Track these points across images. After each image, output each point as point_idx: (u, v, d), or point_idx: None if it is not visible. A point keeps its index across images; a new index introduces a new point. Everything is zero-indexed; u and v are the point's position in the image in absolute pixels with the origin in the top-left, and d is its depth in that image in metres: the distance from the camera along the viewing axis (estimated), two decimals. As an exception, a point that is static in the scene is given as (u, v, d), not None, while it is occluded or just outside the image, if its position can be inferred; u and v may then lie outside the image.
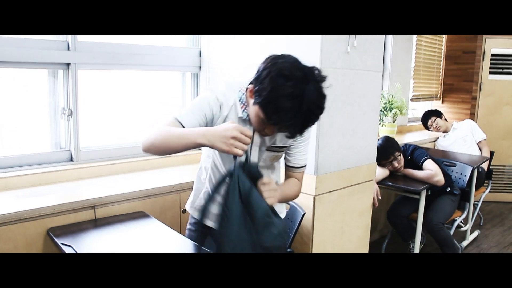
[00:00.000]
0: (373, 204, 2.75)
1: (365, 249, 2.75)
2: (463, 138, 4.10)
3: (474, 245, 3.87)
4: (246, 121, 1.52)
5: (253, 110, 1.40)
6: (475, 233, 4.03)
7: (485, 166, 3.98)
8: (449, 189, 3.19)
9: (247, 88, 1.49)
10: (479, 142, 4.13)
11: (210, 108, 1.50)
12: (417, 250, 3.03)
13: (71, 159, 2.31)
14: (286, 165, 1.70)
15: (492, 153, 4.17)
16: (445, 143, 4.21)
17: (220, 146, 1.28)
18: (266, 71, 1.32)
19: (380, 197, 2.86)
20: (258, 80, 1.35)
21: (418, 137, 4.41)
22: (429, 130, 4.32)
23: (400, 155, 3.05)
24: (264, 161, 1.63)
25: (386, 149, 2.97)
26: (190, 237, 1.81)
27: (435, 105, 5.13)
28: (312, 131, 1.92)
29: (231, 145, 1.27)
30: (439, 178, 2.96)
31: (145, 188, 2.14)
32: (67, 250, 1.65)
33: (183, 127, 1.43)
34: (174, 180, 2.30)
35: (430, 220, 3.05)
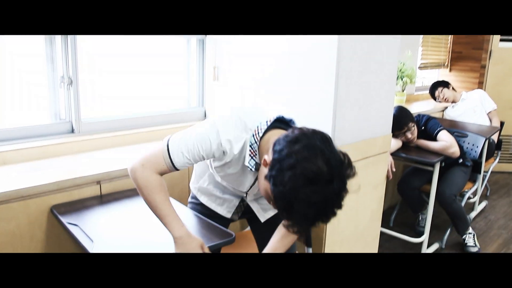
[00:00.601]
0: (387, 177, 2.65)
1: (378, 223, 2.68)
2: (472, 109, 3.98)
3: (482, 216, 3.82)
4: (250, 171, 1.42)
5: (264, 183, 1.25)
6: (483, 204, 3.98)
7: (494, 136, 3.88)
8: (461, 160, 3.09)
9: (261, 137, 1.36)
10: (489, 112, 4.01)
11: (211, 153, 1.39)
12: (428, 222, 2.96)
13: (72, 131, 2.17)
14: None
15: (502, 124, 4.07)
16: (453, 113, 4.09)
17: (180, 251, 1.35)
18: (290, 161, 1.15)
19: (394, 169, 2.76)
20: (277, 163, 1.18)
21: (425, 106, 4.28)
22: (436, 101, 4.19)
23: (414, 126, 2.93)
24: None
25: (400, 120, 2.85)
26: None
27: (443, 73, 4.99)
28: (328, 102, 1.80)
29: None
30: (455, 150, 2.86)
31: (153, 162, 2.01)
32: (73, 229, 1.55)
33: (174, 165, 1.38)
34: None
35: (443, 192, 2.96)
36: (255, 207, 1.72)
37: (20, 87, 2.08)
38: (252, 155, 1.38)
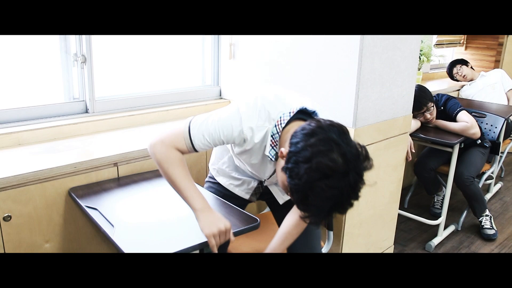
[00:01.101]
0: (406, 158, 2.59)
1: (396, 204, 2.63)
2: (492, 86, 3.87)
3: (497, 197, 3.76)
4: (271, 161, 1.42)
5: (281, 175, 1.25)
6: (498, 186, 3.92)
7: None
8: (479, 141, 3.02)
9: (283, 128, 1.34)
10: (508, 90, 3.91)
11: (231, 139, 1.39)
12: (446, 204, 2.91)
13: (86, 111, 2.11)
14: None
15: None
16: (470, 91, 3.98)
17: (203, 228, 1.31)
18: (305, 154, 1.14)
19: (413, 151, 2.69)
20: (293, 156, 1.17)
21: (440, 85, 4.18)
22: (454, 79, 4.08)
23: (433, 106, 2.85)
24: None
25: (419, 99, 2.77)
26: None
27: (458, 51, 4.86)
28: (351, 80, 1.83)
29: (212, 235, 1.29)
30: (476, 131, 2.78)
31: (170, 143, 1.96)
32: (93, 213, 1.50)
33: (194, 147, 1.38)
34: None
35: (461, 174, 2.90)
36: (274, 189, 1.71)
37: (31, 65, 2.01)
38: (273, 145, 1.37)
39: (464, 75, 3.95)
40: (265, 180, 1.65)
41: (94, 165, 1.72)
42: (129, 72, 2.36)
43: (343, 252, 2.29)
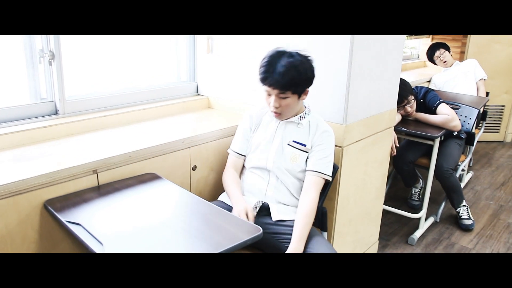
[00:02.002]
0: (391, 153, 2.56)
1: (381, 200, 2.59)
2: (465, 74, 3.93)
3: (468, 187, 3.83)
4: (275, 120, 1.85)
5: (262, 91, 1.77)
6: (469, 175, 4.00)
7: (480, 107, 3.86)
8: (455, 133, 3.03)
9: None
10: (479, 80, 3.97)
11: (248, 127, 1.91)
12: (427, 196, 2.91)
13: (56, 112, 1.92)
14: (306, 170, 1.80)
15: (487, 94, 4.05)
16: (442, 79, 3.99)
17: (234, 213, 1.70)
18: None
19: (398, 145, 2.66)
20: None
21: (409, 77, 4.19)
22: (432, 61, 4.08)
23: (413, 99, 2.83)
24: (285, 160, 1.80)
25: (400, 92, 2.70)
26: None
27: (425, 43, 4.91)
28: (342, 74, 1.93)
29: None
30: (457, 123, 2.79)
31: (153, 145, 1.81)
32: (76, 229, 1.34)
33: (239, 153, 1.91)
34: (182, 134, 1.98)
35: (441, 166, 2.90)
36: (273, 207, 1.80)
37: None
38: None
39: (445, 61, 3.96)
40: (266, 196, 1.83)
41: (72, 173, 1.55)
42: (101, 69, 2.18)
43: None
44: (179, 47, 2.51)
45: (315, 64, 1.74)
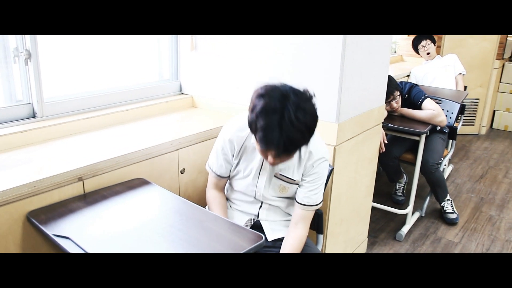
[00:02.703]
0: (380, 150, 2.53)
1: (370, 198, 2.57)
2: (445, 67, 3.97)
3: (449, 180, 3.87)
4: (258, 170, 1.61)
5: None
6: (449, 168, 4.04)
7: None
8: (439, 127, 3.04)
9: None
10: (458, 75, 4.02)
11: (229, 153, 1.64)
12: (413, 192, 2.91)
13: (34, 115, 1.80)
14: (295, 201, 1.63)
15: (465, 88, 4.10)
16: (422, 71, 4.02)
17: None
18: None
19: (386, 141, 2.64)
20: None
21: (391, 72, 4.19)
22: (416, 51, 4.10)
23: (399, 94, 2.82)
24: (274, 190, 1.63)
25: (386, 88, 2.70)
26: None
27: (401, 37, 4.94)
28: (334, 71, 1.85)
29: None
30: (443, 118, 2.79)
31: (141, 149, 1.71)
32: (65, 243, 1.24)
33: (220, 175, 1.69)
34: (168, 135, 1.89)
35: (426, 162, 2.90)
36: (265, 225, 1.69)
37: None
38: None
39: (429, 53, 3.98)
40: (259, 214, 1.68)
41: (56, 181, 1.44)
42: (80, 69, 2.06)
43: (326, 252, 2.18)
44: (161, 45, 2.41)
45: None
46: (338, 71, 1.87)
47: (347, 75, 1.92)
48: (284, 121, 1.26)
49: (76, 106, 1.94)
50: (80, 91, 2.00)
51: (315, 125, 1.36)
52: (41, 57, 1.75)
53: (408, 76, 4.18)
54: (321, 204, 1.63)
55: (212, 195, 1.70)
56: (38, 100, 1.77)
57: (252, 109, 1.33)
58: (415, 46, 4.08)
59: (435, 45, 4.05)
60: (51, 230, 1.30)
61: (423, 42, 4.00)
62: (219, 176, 1.68)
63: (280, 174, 1.60)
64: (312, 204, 1.59)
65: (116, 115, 2.04)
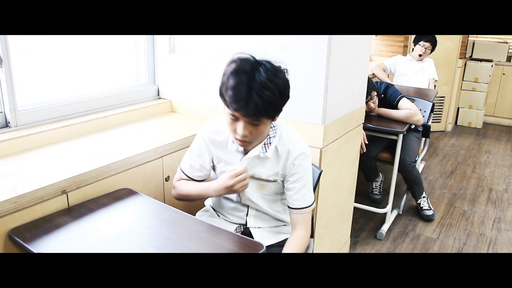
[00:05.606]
0: (360, 150, 2.54)
1: (352, 198, 2.57)
2: (423, 70, 4.09)
3: (422, 177, 3.93)
4: (237, 152, 1.52)
5: (225, 113, 1.39)
6: (422, 165, 4.12)
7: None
8: (413, 126, 3.10)
9: None
10: (431, 78, 4.12)
11: (207, 157, 1.58)
12: (392, 191, 2.94)
13: (7, 125, 1.69)
14: (288, 207, 1.57)
15: (434, 87, 4.20)
16: (407, 69, 4.09)
17: (231, 194, 1.55)
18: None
19: (367, 142, 2.66)
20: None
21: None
22: (414, 48, 4.16)
23: (376, 94, 2.84)
24: (252, 188, 1.57)
25: (364, 89, 2.73)
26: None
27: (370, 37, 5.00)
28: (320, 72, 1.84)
29: (236, 190, 1.46)
30: (419, 117, 2.83)
31: (126, 157, 1.64)
32: (54, 261, 1.15)
33: (193, 179, 1.61)
34: (151, 142, 1.82)
35: (403, 160, 2.95)
36: (256, 233, 1.64)
37: None
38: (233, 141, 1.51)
39: (421, 55, 4.04)
40: (246, 222, 1.64)
41: (38, 195, 1.35)
42: (54, 75, 1.95)
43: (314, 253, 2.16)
44: (138, 48, 2.33)
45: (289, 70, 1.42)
46: (323, 73, 1.86)
47: (332, 76, 1.90)
48: (254, 81, 1.27)
49: (52, 114, 1.84)
50: (55, 98, 1.90)
51: (287, 92, 1.35)
52: (13, 62, 1.65)
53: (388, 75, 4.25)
54: (313, 204, 1.57)
55: (180, 182, 1.62)
56: (11, 108, 1.66)
57: (223, 75, 1.34)
58: (417, 40, 4.12)
59: (431, 52, 4.11)
60: (36, 248, 1.22)
61: (421, 42, 4.05)
62: (186, 175, 1.60)
63: (255, 177, 1.54)
64: (306, 206, 1.54)
65: (94, 122, 1.95)
